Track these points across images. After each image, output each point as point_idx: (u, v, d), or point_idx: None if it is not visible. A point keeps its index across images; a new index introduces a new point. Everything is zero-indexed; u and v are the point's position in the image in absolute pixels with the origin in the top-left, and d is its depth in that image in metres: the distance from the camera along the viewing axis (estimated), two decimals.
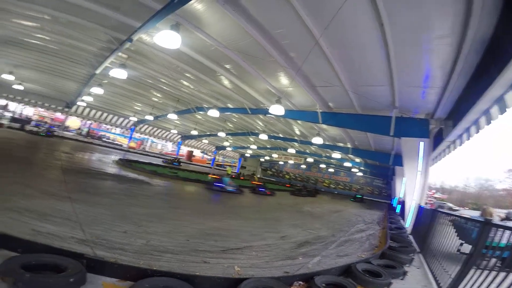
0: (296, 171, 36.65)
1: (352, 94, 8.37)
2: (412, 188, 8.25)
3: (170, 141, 34.33)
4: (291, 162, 31.64)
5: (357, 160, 23.27)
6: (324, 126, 13.15)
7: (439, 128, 8.28)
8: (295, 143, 20.34)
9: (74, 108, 23.54)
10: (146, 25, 6.89)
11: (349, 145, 17.19)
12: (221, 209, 9.12)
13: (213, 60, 8.81)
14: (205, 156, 44.05)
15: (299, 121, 14.10)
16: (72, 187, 6.46)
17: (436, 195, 42.99)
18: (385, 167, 21.67)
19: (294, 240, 5.88)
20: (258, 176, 23.57)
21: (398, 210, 14.71)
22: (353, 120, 9.99)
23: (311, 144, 18.25)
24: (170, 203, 8.03)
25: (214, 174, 18.65)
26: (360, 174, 30.70)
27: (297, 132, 17.77)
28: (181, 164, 21.14)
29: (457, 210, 30.74)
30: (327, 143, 17.90)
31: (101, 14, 7.29)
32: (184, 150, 38.54)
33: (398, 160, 13.63)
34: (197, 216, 6.55)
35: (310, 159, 28.69)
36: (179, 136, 31.28)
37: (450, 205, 34.97)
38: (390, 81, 6.99)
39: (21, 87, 17.91)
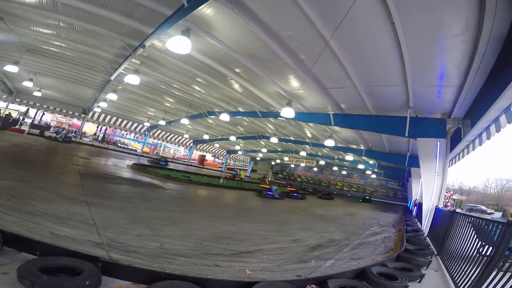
0: (308, 174, 36.26)
1: (364, 95, 8.24)
2: (429, 190, 7.99)
3: (183, 146, 34.85)
4: (302, 165, 31.36)
5: (371, 162, 22.80)
6: (337, 128, 12.96)
7: (456, 127, 8.00)
8: (306, 145, 20.17)
9: (90, 114, 24.35)
10: (157, 31, 7.07)
11: (362, 147, 16.87)
12: (233, 212, 9.14)
13: (223, 64, 8.91)
14: (217, 160, 44.38)
15: (310, 124, 13.97)
16: (89, 191, 6.65)
17: (454, 196, 41.42)
18: (400, 169, 21.11)
19: (306, 243, 5.80)
20: (269, 179, 23.43)
21: (414, 212, 14.34)
22: (366, 121, 9.81)
23: (323, 146, 18.04)
24: (183, 206, 8.11)
25: (227, 177, 18.75)
26: (374, 176, 30.01)
27: (309, 135, 17.61)
28: (168, 163, 21.11)
29: (491, 213, 28.60)
30: (339, 145, 17.64)
31: (115, 21, 7.54)
32: (196, 154, 38.99)
33: (414, 161, 13.26)
34: (209, 220, 6.58)
35: (322, 162, 28.34)
36: (191, 140, 31.71)
37: (483, 208, 32.77)
38: (404, 81, 6.83)
39: (39, 94, 18.69)
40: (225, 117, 13.19)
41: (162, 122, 21.27)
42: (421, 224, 9.16)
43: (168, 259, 3.50)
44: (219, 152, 38.08)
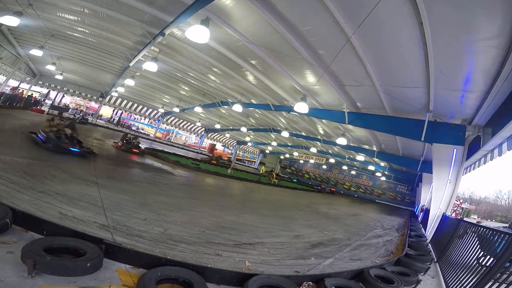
0: (317, 171, 35.95)
1: (383, 94, 7.98)
2: (439, 197, 7.78)
3: (194, 133, 35.19)
4: (311, 161, 31.04)
5: (382, 164, 22.31)
6: (350, 126, 12.69)
7: (476, 135, 7.65)
8: (317, 142, 19.92)
9: (107, 98, 24.91)
10: (178, 19, 7.05)
11: (375, 148, 16.50)
12: (238, 203, 9.22)
13: (240, 55, 8.83)
14: (226, 150, 44.66)
15: (323, 120, 13.75)
16: (100, 173, 6.85)
17: (463, 205, 40.23)
18: (411, 173, 20.59)
19: (308, 240, 5.82)
20: (277, 173, 23.42)
21: (420, 218, 14.14)
22: (382, 122, 9.54)
23: (335, 144, 17.77)
24: (190, 193, 8.26)
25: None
26: (384, 178, 29.43)
27: (321, 132, 17.37)
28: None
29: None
30: (351, 144, 17.31)
31: (137, 9, 7.59)
32: (206, 143, 39.35)
33: (427, 166, 12.89)
34: (214, 209, 6.67)
35: (332, 160, 27.99)
36: (203, 129, 31.97)
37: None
38: (426, 83, 6.56)
39: (61, 77, 19.27)
40: (238, 108, 13.15)
41: (176, 109, 21.51)
42: (425, 230, 9.04)
43: (171, 245, 3.58)
44: (229, 142, 38.25)
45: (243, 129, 21.41)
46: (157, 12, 7.44)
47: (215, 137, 35.96)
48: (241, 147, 38.02)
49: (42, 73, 21.29)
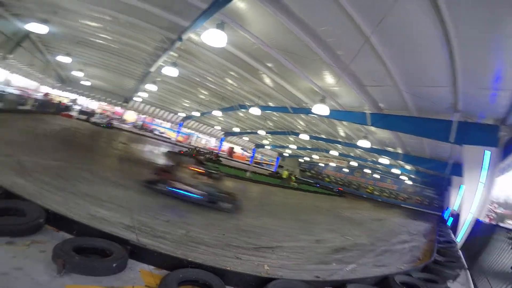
0: (337, 174, 35.11)
1: (406, 94, 7.66)
2: (470, 201, 7.33)
3: (214, 137, 35.78)
4: (332, 164, 30.40)
5: (408, 167, 21.33)
6: (373, 128, 12.25)
7: (511, 136, 7.12)
8: (338, 145, 19.47)
9: (131, 103, 26.02)
10: (194, 24, 7.24)
11: (399, 151, 15.81)
12: (257, 206, 9.21)
13: (256, 58, 8.87)
14: (245, 153, 44.88)
15: (344, 122, 13.41)
16: (126, 175, 7.15)
17: (498, 210, 37.33)
18: (439, 176, 19.50)
19: (329, 245, 5.69)
20: (296, 176, 23.17)
21: (449, 222, 13.39)
22: (407, 123, 9.13)
23: (357, 147, 17.24)
24: None
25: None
26: (410, 182, 28.14)
27: (342, 134, 16.96)
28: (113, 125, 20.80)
29: None
30: (374, 147, 16.71)
31: (155, 15, 7.84)
32: (225, 146, 39.83)
33: (457, 169, 12.13)
34: (234, 212, 6.70)
35: (354, 163, 27.22)
36: (222, 132, 32.42)
37: None
38: (452, 82, 6.21)
39: (88, 83, 20.37)
40: (255, 111, 13.18)
41: (196, 113, 21.98)
42: (455, 236, 8.59)
43: (192, 247, 3.65)
44: (247, 145, 38.45)
45: (261, 132, 21.44)
46: (174, 17, 7.65)
47: (233, 140, 36.32)
48: (259, 150, 38.05)
49: (70, 79, 22.57)
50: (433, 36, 4.92)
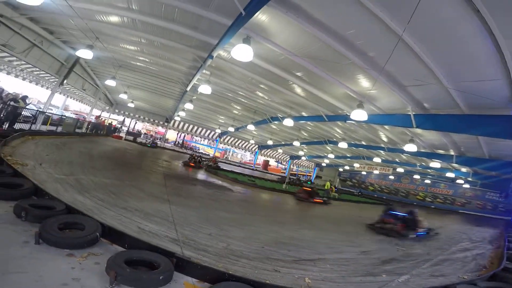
0: (382, 182, 32.77)
1: (454, 91, 6.99)
2: None
3: (249, 151, 36.32)
4: (376, 172, 28.55)
5: (463, 169, 19.07)
6: (419, 130, 11.27)
7: None
8: (381, 151, 18.30)
9: (171, 122, 27.85)
10: (222, 41, 7.55)
11: (452, 152, 14.26)
12: (296, 218, 8.98)
13: (284, 68, 8.91)
14: (280, 165, 44.57)
15: (386, 126, 12.61)
16: (170, 190, 7.56)
17: None
18: (502, 178, 17.09)
19: (377, 256, 5.28)
20: (335, 185, 22.18)
21: None
22: (458, 122, 8.27)
23: (402, 152, 16.04)
24: (249, 209, 8.43)
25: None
26: (467, 186, 25.05)
27: (384, 139, 15.92)
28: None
29: None
30: (422, 150, 15.34)
31: (184, 35, 8.37)
32: (260, 159, 40.05)
33: None
34: (272, 224, 6.63)
35: (400, 169, 25.24)
36: (256, 146, 32.77)
37: None
38: (505, 74, 5.54)
39: (132, 105, 22.28)
40: (288, 122, 13.11)
41: (231, 129, 22.63)
42: None
43: (232, 260, 3.66)
44: (282, 158, 38.19)
45: (296, 143, 21.14)
46: (202, 36, 8.07)
47: (268, 154, 36.43)
48: (294, 161, 37.48)
49: (117, 101, 24.97)
50: (470, 28, 4.58)
